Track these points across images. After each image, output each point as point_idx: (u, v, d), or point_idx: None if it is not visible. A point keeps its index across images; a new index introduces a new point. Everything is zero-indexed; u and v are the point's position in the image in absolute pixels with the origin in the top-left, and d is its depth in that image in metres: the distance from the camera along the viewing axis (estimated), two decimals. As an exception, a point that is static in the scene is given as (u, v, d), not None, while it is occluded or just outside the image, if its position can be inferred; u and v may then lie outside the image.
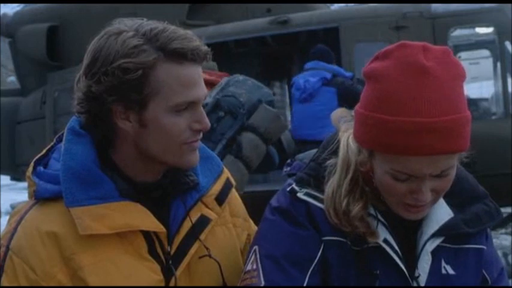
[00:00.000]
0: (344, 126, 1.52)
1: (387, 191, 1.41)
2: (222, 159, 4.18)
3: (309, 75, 6.27)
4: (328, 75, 6.20)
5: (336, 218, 1.44)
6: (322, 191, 1.48)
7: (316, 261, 1.45)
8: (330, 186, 1.47)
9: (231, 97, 4.19)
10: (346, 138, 1.48)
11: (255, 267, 1.46)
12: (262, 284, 1.43)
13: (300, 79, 6.34)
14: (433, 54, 1.34)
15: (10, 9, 11.81)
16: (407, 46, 1.36)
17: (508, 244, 8.18)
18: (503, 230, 8.98)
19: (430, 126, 1.29)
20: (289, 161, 1.63)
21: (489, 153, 5.64)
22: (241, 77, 4.36)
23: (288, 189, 1.51)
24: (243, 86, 4.29)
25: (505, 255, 7.44)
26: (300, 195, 1.49)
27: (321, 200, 1.48)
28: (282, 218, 1.49)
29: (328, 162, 1.50)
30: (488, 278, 1.55)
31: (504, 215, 8.20)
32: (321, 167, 1.51)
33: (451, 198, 1.51)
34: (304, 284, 1.43)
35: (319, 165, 1.52)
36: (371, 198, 1.47)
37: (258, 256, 1.47)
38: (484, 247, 1.55)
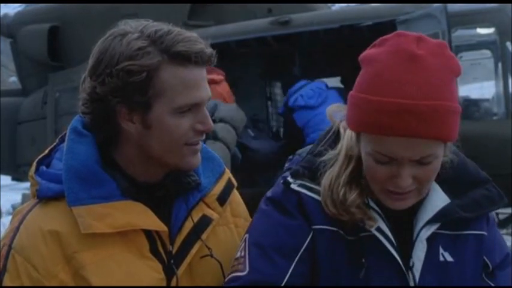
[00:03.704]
0: (343, 122, 1.53)
1: (370, 175, 1.43)
2: None
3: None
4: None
5: (334, 207, 1.46)
6: (316, 182, 1.50)
7: (302, 250, 1.47)
8: (328, 176, 1.49)
9: None
10: (351, 131, 1.49)
11: (242, 254, 1.49)
12: (247, 270, 1.46)
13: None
14: (426, 45, 1.37)
15: (11, 9, 11.81)
16: (403, 35, 1.40)
17: (508, 244, 8.17)
18: (503, 231, 8.96)
19: (410, 108, 1.31)
20: (290, 156, 1.65)
21: (490, 154, 5.63)
22: None
23: (282, 181, 1.54)
24: None
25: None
26: (293, 186, 1.51)
27: (314, 191, 1.50)
28: (273, 208, 1.52)
29: (325, 154, 1.52)
30: (489, 264, 1.53)
31: (504, 216, 8.18)
32: (316, 159, 1.53)
33: (449, 186, 1.51)
34: (289, 272, 1.45)
35: (315, 157, 1.54)
36: (365, 189, 1.48)
37: (246, 244, 1.50)
38: (485, 233, 1.53)
